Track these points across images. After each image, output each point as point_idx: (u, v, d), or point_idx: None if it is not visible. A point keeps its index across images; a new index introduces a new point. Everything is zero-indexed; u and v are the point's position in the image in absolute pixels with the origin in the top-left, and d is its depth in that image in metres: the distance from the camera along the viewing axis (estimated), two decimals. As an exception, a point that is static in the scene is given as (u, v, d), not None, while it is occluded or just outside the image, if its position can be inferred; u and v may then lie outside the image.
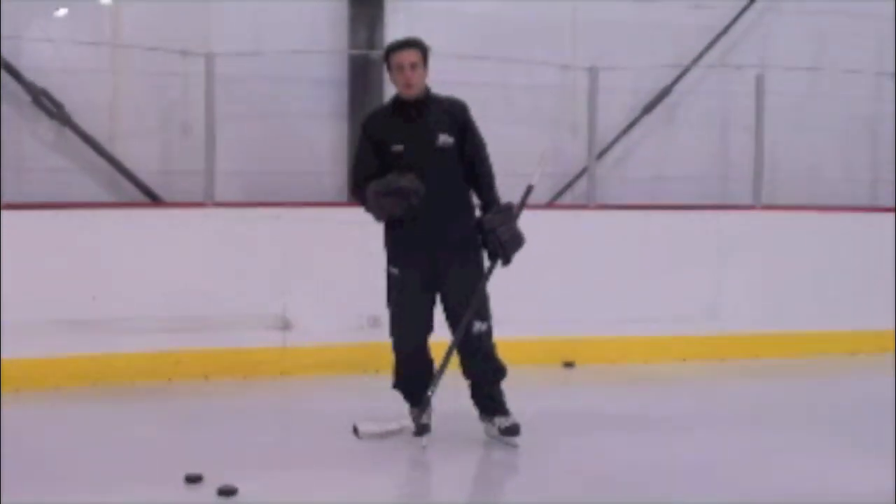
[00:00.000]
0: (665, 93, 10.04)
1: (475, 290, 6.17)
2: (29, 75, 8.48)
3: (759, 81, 9.41)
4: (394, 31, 9.01)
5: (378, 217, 6.12)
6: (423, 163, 6.10)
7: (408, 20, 9.28)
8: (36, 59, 8.55)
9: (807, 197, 10.21)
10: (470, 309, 6.11)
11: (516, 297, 6.89)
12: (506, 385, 6.38)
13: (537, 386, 7.79)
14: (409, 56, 6.10)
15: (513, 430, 6.25)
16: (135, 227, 8.01)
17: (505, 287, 6.36)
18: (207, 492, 5.37)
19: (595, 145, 9.26)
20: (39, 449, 6.18)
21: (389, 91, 6.38)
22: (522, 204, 6.27)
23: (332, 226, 8.16)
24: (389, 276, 6.29)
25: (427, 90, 6.21)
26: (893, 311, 9.10)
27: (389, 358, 6.48)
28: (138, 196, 8.81)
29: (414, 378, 6.35)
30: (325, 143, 9.35)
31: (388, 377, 6.51)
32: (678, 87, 10.09)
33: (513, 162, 6.79)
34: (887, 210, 9.67)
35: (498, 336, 6.36)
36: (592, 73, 9.10)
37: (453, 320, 6.24)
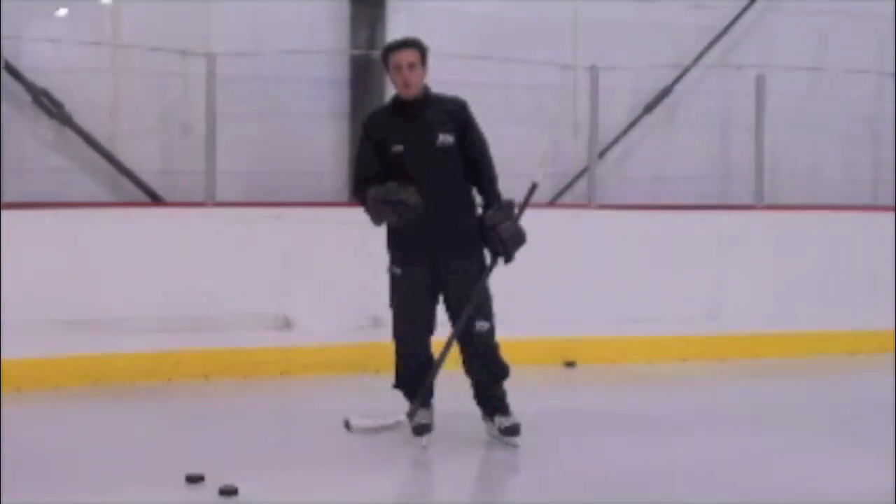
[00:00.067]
0: (666, 93, 10.05)
1: (480, 293, 6.16)
2: (29, 75, 8.48)
3: (760, 81, 9.41)
4: (395, 30, 9.02)
5: (375, 222, 6.11)
6: (424, 162, 6.09)
7: (409, 20, 9.28)
8: (36, 59, 8.56)
9: (807, 197, 10.22)
10: (469, 304, 6.09)
11: (517, 297, 6.89)
12: (507, 385, 6.38)
13: (538, 386, 7.78)
14: (408, 56, 6.09)
15: (513, 430, 6.24)
16: (135, 227, 8.01)
17: (505, 287, 6.36)
18: (208, 492, 5.37)
19: (596, 145, 9.27)
20: (39, 449, 6.18)
21: (391, 91, 6.38)
22: (526, 202, 6.25)
23: (332, 226, 8.16)
24: (392, 276, 6.29)
25: (426, 90, 6.20)
26: (894, 310, 9.09)
27: (390, 358, 6.48)
28: (139, 196, 8.81)
29: (415, 378, 6.34)
30: (326, 143, 9.36)
31: (388, 377, 6.51)
32: (679, 87, 10.10)
33: (513, 162, 6.79)
34: (887, 210, 9.66)
35: (499, 336, 6.34)
36: (593, 73, 9.10)
37: (456, 320, 6.22)
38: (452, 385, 6.34)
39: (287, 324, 8.20)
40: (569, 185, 9.72)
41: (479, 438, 6.36)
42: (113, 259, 7.81)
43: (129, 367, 7.87)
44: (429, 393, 6.39)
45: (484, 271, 6.22)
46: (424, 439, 6.27)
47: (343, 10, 9.34)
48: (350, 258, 8.01)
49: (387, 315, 6.44)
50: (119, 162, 8.77)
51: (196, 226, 8.15)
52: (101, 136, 8.73)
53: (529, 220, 6.21)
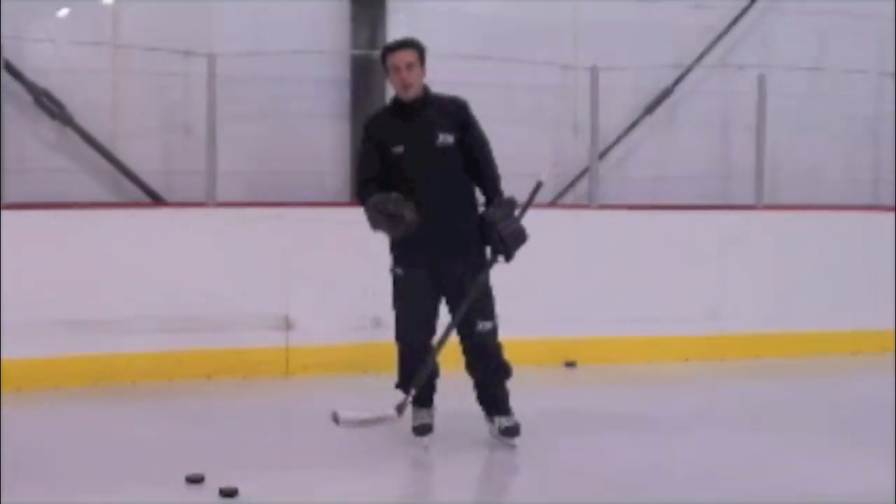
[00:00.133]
0: (666, 93, 10.05)
1: (479, 288, 6.16)
2: (31, 76, 8.49)
3: (761, 81, 9.40)
4: (395, 31, 9.03)
5: (372, 228, 6.10)
6: (424, 163, 6.09)
7: (409, 20, 9.29)
8: (38, 60, 8.57)
9: (808, 197, 10.22)
10: (466, 299, 6.08)
11: (517, 297, 6.88)
12: (508, 384, 6.37)
13: (539, 386, 7.78)
14: (405, 56, 6.08)
15: (512, 431, 6.24)
16: (136, 227, 8.02)
17: (506, 287, 6.35)
18: (209, 492, 5.37)
19: (596, 145, 9.26)
20: (40, 449, 6.18)
21: (391, 91, 6.37)
22: (530, 200, 6.24)
23: (333, 226, 8.15)
24: (394, 277, 6.29)
25: (426, 90, 6.19)
26: (894, 311, 9.09)
27: (391, 358, 6.48)
28: (140, 196, 8.82)
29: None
30: (327, 144, 9.36)
31: (389, 378, 6.50)
32: (680, 88, 10.11)
33: (514, 162, 6.79)
34: (888, 210, 9.66)
35: (500, 336, 6.34)
36: (594, 73, 9.10)
37: (460, 321, 6.21)
38: (454, 385, 6.34)
39: (287, 324, 8.20)
40: (570, 186, 9.72)
41: (480, 439, 6.36)
42: (114, 259, 7.82)
43: (129, 367, 7.88)
44: (430, 393, 6.40)
45: (486, 273, 6.21)
46: (426, 439, 6.28)
47: (344, 11, 9.34)
48: (351, 258, 8.01)
49: (387, 315, 6.44)
50: (120, 162, 8.78)
51: (197, 226, 8.15)
52: (102, 137, 8.74)
53: (530, 221, 6.20)
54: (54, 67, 8.61)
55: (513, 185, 6.25)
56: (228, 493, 5.30)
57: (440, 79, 6.40)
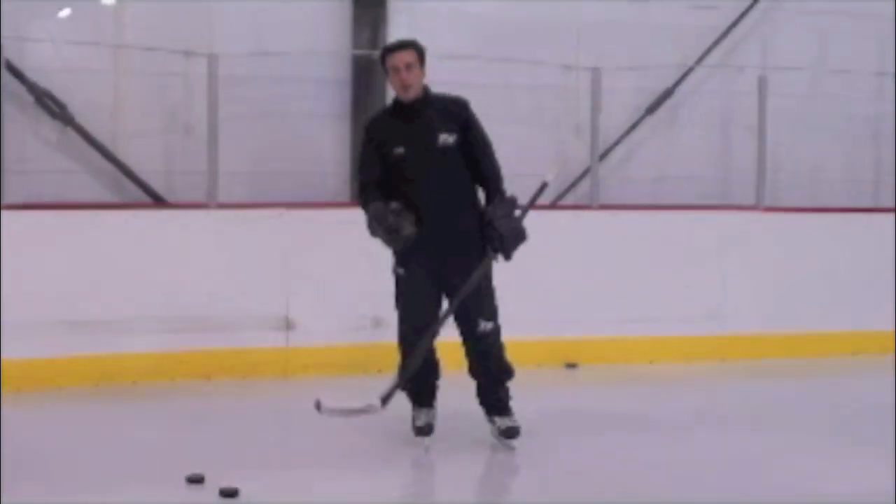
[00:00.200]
0: (668, 93, 10.05)
1: (481, 288, 6.15)
2: (32, 76, 8.49)
3: (762, 82, 9.40)
4: (396, 31, 9.02)
5: (371, 235, 6.10)
6: (425, 163, 6.08)
7: (410, 21, 9.28)
8: (39, 60, 8.57)
9: (808, 197, 10.22)
10: (463, 289, 6.04)
11: (518, 298, 6.87)
12: (509, 386, 6.37)
13: (540, 386, 7.77)
14: (404, 57, 6.07)
15: (511, 433, 6.23)
16: (137, 228, 8.01)
17: (507, 287, 6.35)
18: (209, 493, 5.37)
19: (598, 146, 9.26)
20: (40, 449, 6.18)
21: (392, 91, 6.37)
22: (534, 200, 6.23)
23: (334, 226, 8.15)
24: (396, 277, 6.28)
25: (426, 90, 6.18)
26: (894, 311, 9.09)
27: (392, 358, 6.47)
28: (141, 196, 8.82)
29: (419, 378, 6.34)
30: (328, 144, 9.36)
31: (390, 378, 6.48)
32: (681, 88, 10.10)
33: (515, 162, 6.78)
34: (888, 211, 9.66)
35: (501, 336, 6.34)
36: (595, 73, 9.10)
37: (460, 321, 6.22)
38: (455, 385, 6.34)
39: (288, 324, 8.20)
40: (571, 186, 9.71)
41: (481, 439, 6.35)
42: (114, 259, 7.82)
43: (130, 367, 7.88)
44: (431, 394, 6.40)
45: (489, 271, 6.20)
46: (426, 440, 6.28)
47: (345, 11, 9.35)
48: (351, 259, 8.00)
49: (388, 315, 6.44)
50: (121, 162, 8.78)
51: (197, 226, 8.15)
52: (102, 137, 8.74)
53: (531, 221, 6.20)
54: (55, 67, 8.62)
55: (514, 186, 6.24)
56: (229, 493, 5.30)
57: (441, 79, 6.40)
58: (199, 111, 8.54)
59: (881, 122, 10.56)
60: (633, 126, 10.04)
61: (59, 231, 7.81)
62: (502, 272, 6.24)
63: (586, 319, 8.64)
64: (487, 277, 6.21)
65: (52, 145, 8.68)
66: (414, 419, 6.37)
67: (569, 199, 9.70)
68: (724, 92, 10.28)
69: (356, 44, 9.33)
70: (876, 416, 7.01)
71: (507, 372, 6.33)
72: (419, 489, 6.04)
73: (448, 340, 6.25)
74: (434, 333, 6.08)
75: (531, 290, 8.13)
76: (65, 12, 8.78)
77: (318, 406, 5.86)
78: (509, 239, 6.04)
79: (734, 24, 10.20)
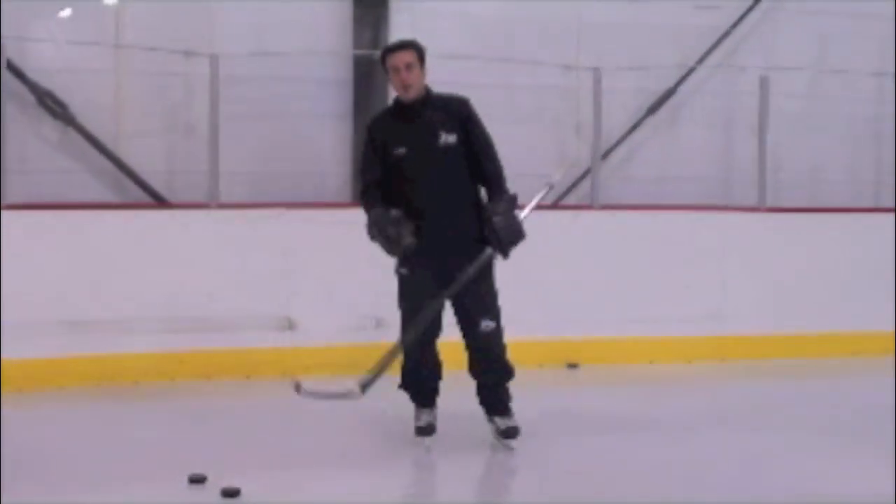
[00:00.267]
0: (669, 94, 10.05)
1: (483, 288, 6.15)
2: (33, 76, 8.50)
3: (764, 82, 9.40)
4: (398, 31, 9.02)
5: (370, 238, 6.11)
6: (426, 164, 6.07)
7: (412, 21, 9.28)
8: (40, 60, 8.58)
9: (810, 198, 10.22)
10: (455, 283, 6.03)
11: (520, 298, 6.86)
12: (510, 386, 6.34)
13: (541, 387, 7.78)
14: (404, 57, 6.07)
15: (510, 433, 6.23)
16: (138, 228, 8.02)
17: (509, 287, 6.34)
18: (210, 492, 5.37)
19: (599, 146, 9.26)
20: (40, 449, 6.19)
21: (393, 92, 6.37)
22: (539, 200, 6.22)
23: (335, 226, 8.14)
24: (399, 277, 6.28)
25: (427, 90, 6.17)
26: (895, 312, 9.09)
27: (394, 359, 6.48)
28: (142, 196, 8.83)
29: (421, 379, 6.35)
30: (329, 144, 9.37)
31: (392, 378, 6.48)
32: (682, 88, 10.11)
33: (516, 163, 6.76)
34: (888, 211, 9.65)
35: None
36: (596, 73, 9.10)
37: (462, 320, 6.22)
38: (457, 386, 6.33)
39: (289, 324, 8.20)
40: (572, 186, 9.71)
41: (482, 439, 6.34)
42: (116, 259, 7.83)
43: (131, 367, 7.89)
44: (433, 394, 6.40)
45: (491, 271, 6.19)
46: (428, 440, 6.28)
47: (346, 11, 9.35)
48: (353, 259, 7.96)
49: (389, 315, 6.44)
50: (122, 162, 8.79)
51: (199, 226, 8.16)
52: (104, 137, 8.75)
53: (532, 221, 6.19)
54: (57, 68, 8.63)
55: (515, 186, 6.23)
56: (230, 493, 5.31)
57: (442, 79, 6.39)
58: (200, 111, 8.55)
59: (882, 122, 10.56)
60: (635, 126, 10.04)
61: (60, 231, 7.81)
62: (504, 272, 6.24)
63: (587, 320, 8.63)
64: (490, 277, 6.21)
65: (53, 145, 8.68)
66: (415, 419, 6.37)
67: (570, 200, 9.70)
68: (725, 92, 10.28)
69: (357, 44, 9.33)
70: (876, 416, 7.00)
71: (508, 372, 6.31)
72: (420, 489, 6.04)
73: (449, 340, 6.25)
74: (426, 319, 6.07)
75: (532, 290, 8.13)
76: (66, 12, 8.79)
77: (297, 388, 5.87)
78: (506, 237, 6.03)
79: (736, 24, 10.20)
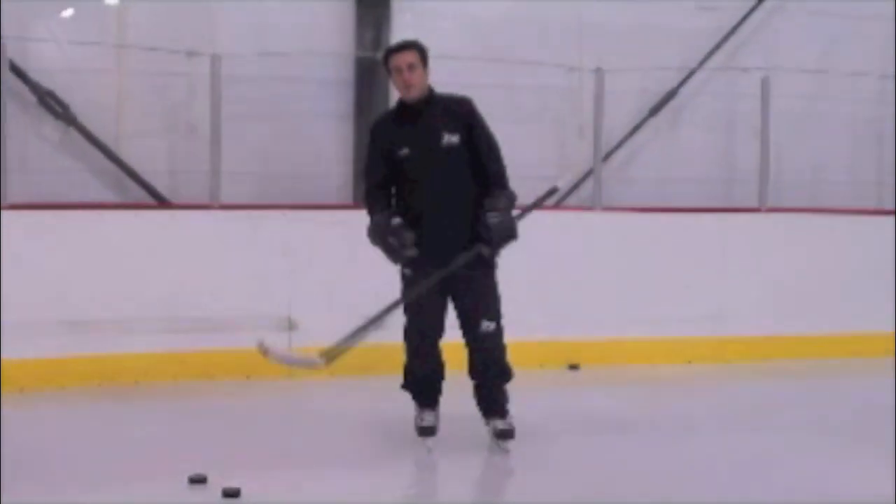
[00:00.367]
0: (671, 95, 10.05)
1: (484, 288, 6.15)
2: (35, 76, 8.51)
3: (765, 84, 9.40)
4: (400, 32, 9.03)
5: (371, 242, 6.11)
6: (429, 164, 6.07)
7: (414, 21, 9.30)
8: (42, 60, 8.59)
9: (811, 199, 10.21)
10: (448, 269, 6.00)
11: (521, 299, 6.86)
12: (512, 387, 6.33)
13: (542, 388, 7.79)
14: (407, 57, 6.07)
15: (506, 434, 6.22)
16: (140, 228, 8.02)
17: (510, 288, 6.33)
18: (211, 493, 5.37)
19: (601, 147, 9.25)
20: (42, 449, 6.19)
21: (395, 92, 6.36)
22: (539, 202, 6.20)
23: (337, 227, 8.14)
24: (403, 278, 6.28)
25: (430, 91, 6.17)
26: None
27: (394, 360, 6.47)
28: (144, 197, 8.83)
29: (424, 379, 6.35)
30: (331, 145, 9.37)
31: (393, 379, 6.49)
32: (684, 90, 10.11)
33: (518, 164, 6.75)
34: (890, 212, 9.65)
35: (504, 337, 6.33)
36: (598, 74, 9.10)
37: (465, 322, 6.21)
38: (459, 387, 6.33)
39: (290, 325, 8.19)
40: (574, 188, 9.71)
41: (484, 440, 6.33)
42: (117, 259, 7.82)
43: (132, 367, 7.88)
44: (435, 395, 6.39)
45: (493, 272, 6.19)
46: (429, 441, 6.28)
47: (348, 12, 9.36)
48: (354, 259, 7.98)
49: (391, 316, 6.43)
50: (124, 163, 8.79)
51: (200, 226, 8.16)
52: (105, 137, 8.75)
53: (534, 222, 6.19)
54: (58, 68, 8.64)
55: (515, 187, 6.23)
56: (231, 493, 5.30)
57: (444, 80, 6.38)
58: (201, 111, 8.55)
59: (883, 123, 10.56)
60: (637, 127, 10.04)
61: (61, 231, 7.81)
62: (505, 273, 6.23)
63: (588, 320, 8.63)
64: (492, 278, 6.20)
65: (54, 145, 8.69)
66: (417, 419, 6.36)
67: (572, 201, 9.70)
68: (727, 93, 10.29)
69: (359, 44, 9.34)
70: (876, 417, 7.01)
71: (506, 374, 6.31)
72: (421, 490, 6.04)
73: (451, 342, 6.25)
74: (420, 291, 6.07)
75: (534, 290, 8.14)
76: (68, 12, 8.80)
77: (263, 350, 5.88)
78: (498, 234, 6.00)
79: (737, 25, 10.21)
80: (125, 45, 8.79)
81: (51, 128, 8.65)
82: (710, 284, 8.98)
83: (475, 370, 6.27)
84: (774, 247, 9.15)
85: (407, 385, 6.42)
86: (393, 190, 6.20)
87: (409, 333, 6.31)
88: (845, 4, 10.20)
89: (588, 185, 9.45)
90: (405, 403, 6.42)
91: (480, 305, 6.15)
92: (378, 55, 8.88)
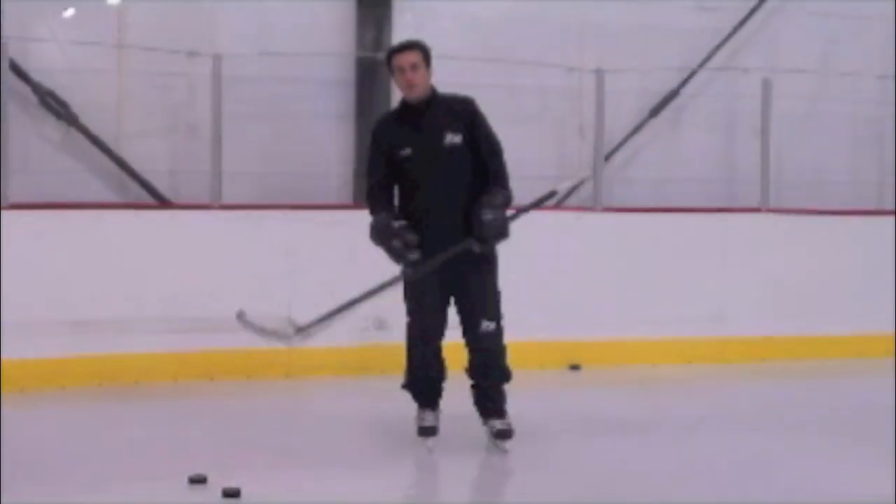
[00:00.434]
0: (672, 95, 10.04)
1: (486, 289, 6.16)
2: (36, 76, 8.51)
3: (766, 84, 9.40)
4: (400, 32, 9.03)
5: (373, 242, 6.11)
6: (431, 164, 6.07)
7: (415, 22, 9.29)
8: (43, 60, 8.59)
9: (812, 200, 10.19)
10: (442, 256, 6.01)
11: (522, 299, 6.87)
12: (512, 387, 6.34)
13: (543, 388, 7.79)
14: (409, 57, 6.08)
15: (504, 434, 6.22)
16: (141, 228, 8.02)
17: (511, 289, 6.34)
18: (211, 493, 5.37)
19: (601, 147, 9.25)
20: (42, 449, 6.19)
21: (396, 92, 6.37)
22: (536, 204, 6.20)
23: (338, 227, 8.15)
24: (406, 278, 6.27)
25: (432, 91, 6.18)
26: (895, 314, 9.13)
27: (395, 360, 6.48)
28: (145, 197, 8.83)
29: (425, 379, 6.35)
30: (332, 145, 9.37)
31: (393, 379, 6.49)
32: (685, 90, 10.10)
33: (518, 164, 6.75)
34: (890, 213, 9.65)
35: (504, 338, 6.33)
36: (599, 75, 9.10)
37: (465, 322, 6.21)
38: (460, 387, 6.33)
39: (292, 325, 8.19)
40: (575, 188, 9.70)
41: (485, 441, 6.33)
42: (118, 260, 7.83)
43: (133, 367, 7.89)
44: (436, 395, 6.39)
45: (495, 273, 6.20)
46: (430, 441, 6.27)
47: (349, 12, 9.36)
48: (355, 259, 7.98)
49: (391, 317, 6.45)
50: (125, 163, 8.79)
51: (201, 227, 8.16)
52: (106, 137, 8.75)
53: (534, 222, 6.19)
54: (59, 68, 8.64)
55: (515, 187, 6.23)
56: (231, 493, 5.30)
57: (445, 80, 6.38)
58: (202, 111, 8.56)
59: (884, 124, 10.56)
60: (637, 128, 10.04)
61: (62, 231, 7.82)
62: (505, 273, 6.23)
63: (589, 321, 8.63)
64: (493, 279, 6.22)
65: (55, 145, 8.69)
66: (418, 420, 6.36)
67: (572, 201, 9.69)
68: (728, 94, 10.28)
69: (360, 45, 9.34)
70: (877, 417, 7.01)
71: (505, 375, 6.31)
72: (421, 490, 6.03)
73: (452, 342, 6.25)
74: (421, 268, 6.06)
75: (535, 291, 8.14)
76: (69, 12, 8.79)
77: (239, 316, 5.91)
78: (488, 229, 5.97)
79: (738, 26, 10.21)
80: (126, 46, 8.79)
81: (52, 128, 8.65)
82: (710, 285, 8.99)
83: (475, 370, 6.27)
84: (775, 247, 9.15)
85: (408, 385, 6.42)
86: (395, 190, 6.21)
87: (410, 334, 6.31)
88: (846, 4, 10.20)
89: (589, 186, 9.44)
90: (405, 403, 6.42)
91: (481, 305, 6.16)
92: (379, 55, 8.92)
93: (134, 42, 8.77)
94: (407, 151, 6.10)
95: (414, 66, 6.06)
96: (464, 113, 6.18)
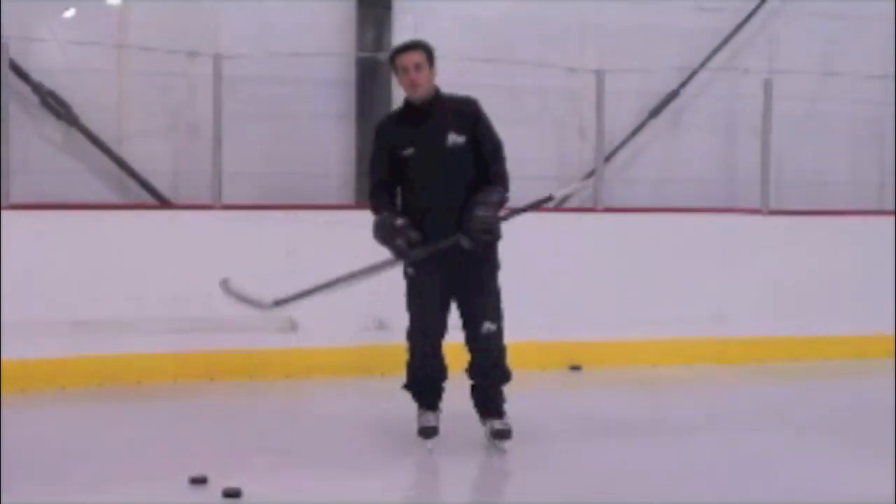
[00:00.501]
0: (672, 96, 10.04)
1: (486, 289, 6.16)
2: (36, 76, 8.52)
3: (767, 85, 9.39)
4: (401, 33, 9.03)
5: (377, 240, 6.12)
6: (434, 164, 6.08)
7: (415, 22, 9.30)
8: (43, 60, 8.61)
9: (813, 201, 10.19)
10: (438, 245, 6.00)
11: (522, 300, 6.86)
12: (512, 388, 6.35)
13: (543, 389, 7.79)
14: (413, 57, 6.09)
15: (503, 434, 6.23)
16: (141, 228, 8.03)
17: (511, 289, 6.34)
18: (212, 493, 5.37)
19: (602, 148, 9.25)
20: (42, 449, 6.19)
21: (398, 92, 6.39)
22: (532, 206, 6.20)
23: (339, 227, 8.14)
24: (406, 276, 6.28)
25: (436, 91, 6.19)
26: None
27: (395, 360, 6.48)
28: (145, 197, 8.84)
29: (425, 379, 6.35)
30: (333, 145, 9.37)
31: (394, 379, 6.50)
32: (686, 91, 10.10)
33: (519, 164, 6.75)
34: (891, 214, 9.64)
35: (505, 338, 6.34)
36: (600, 75, 9.10)
37: (466, 322, 6.22)
38: (460, 388, 6.33)
39: (292, 326, 8.20)
40: (570, 196, 9.69)
41: (485, 441, 6.34)
42: (119, 260, 7.83)
43: (133, 367, 7.89)
44: (437, 396, 6.39)
45: (496, 273, 6.21)
46: (430, 442, 6.28)
47: (349, 12, 9.36)
48: (356, 260, 7.96)
49: (391, 317, 6.45)
50: (125, 163, 8.80)
51: (202, 227, 8.16)
52: (107, 137, 8.76)
53: (535, 223, 6.18)
54: (60, 68, 8.65)
55: (516, 187, 6.23)
56: (231, 493, 5.31)
57: (446, 80, 6.38)
58: (203, 112, 8.56)
59: (885, 124, 10.55)
60: (638, 128, 10.04)
61: (62, 231, 7.82)
62: (506, 273, 6.24)
63: (589, 321, 8.62)
64: (493, 279, 6.22)
65: (56, 145, 8.70)
66: (419, 420, 6.37)
67: (573, 202, 9.69)
68: (728, 95, 10.28)
69: (361, 45, 9.34)
70: (877, 418, 7.01)
71: (505, 376, 6.32)
72: (422, 490, 6.03)
73: (452, 343, 6.26)
74: (424, 251, 6.06)
75: (535, 291, 8.12)
76: (69, 13, 8.80)
77: (223, 283, 5.95)
78: (475, 224, 5.96)
79: (739, 26, 10.20)
80: (127, 46, 8.79)
81: (52, 128, 8.66)
82: (710, 285, 8.98)
83: (475, 370, 6.28)
84: (775, 248, 9.14)
85: (409, 385, 6.42)
86: (398, 189, 6.22)
87: (412, 334, 6.32)
88: (846, 5, 10.20)
89: (589, 186, 9.43)
90: (405, 403, 6.42)
91: (483, 307, 6.17)
92: (379, 55, 8.93)
93: (134, 42, 8.78)
94: (409, 151, 6.11)
95: (418, 66, 6.07)
96: (468, 113, 6.19)
